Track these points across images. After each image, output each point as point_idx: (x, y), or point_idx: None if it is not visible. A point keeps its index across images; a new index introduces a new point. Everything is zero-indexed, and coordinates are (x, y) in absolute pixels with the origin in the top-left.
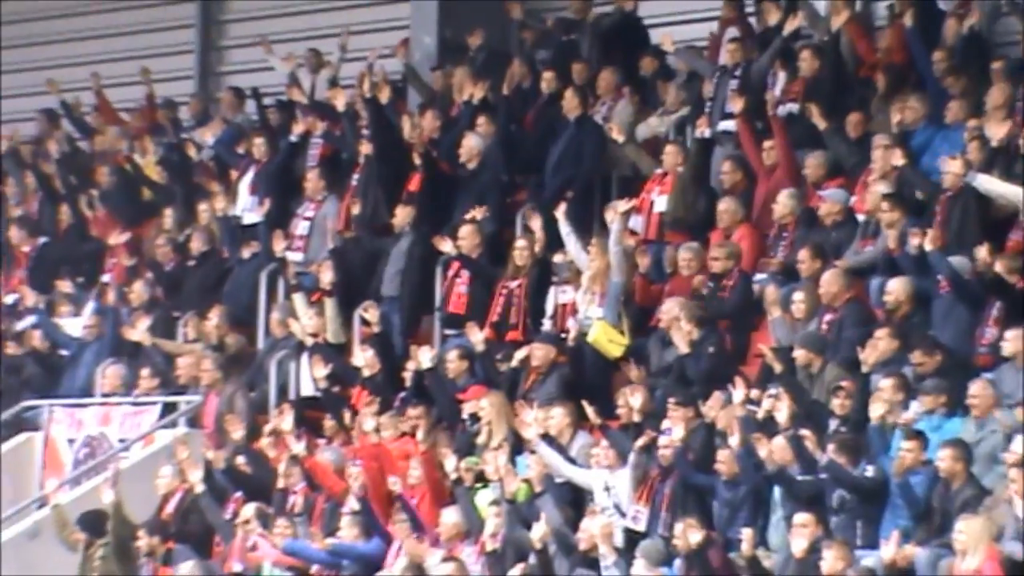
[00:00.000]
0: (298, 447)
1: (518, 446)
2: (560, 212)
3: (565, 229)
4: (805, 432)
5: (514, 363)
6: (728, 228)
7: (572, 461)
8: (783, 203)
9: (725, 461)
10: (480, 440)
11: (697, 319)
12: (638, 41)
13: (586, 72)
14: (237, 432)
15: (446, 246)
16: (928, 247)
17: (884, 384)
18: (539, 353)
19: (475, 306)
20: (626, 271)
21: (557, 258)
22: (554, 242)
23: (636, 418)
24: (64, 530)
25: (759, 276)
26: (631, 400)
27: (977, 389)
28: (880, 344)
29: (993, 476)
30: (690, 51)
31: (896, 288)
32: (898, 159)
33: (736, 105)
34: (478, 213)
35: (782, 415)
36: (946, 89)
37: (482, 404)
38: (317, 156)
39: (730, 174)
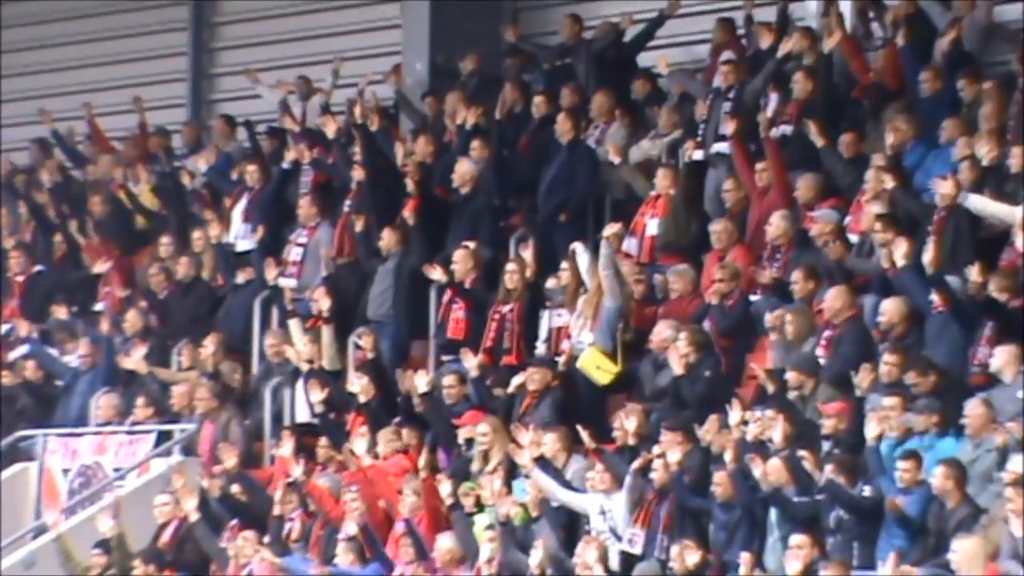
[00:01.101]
0: (296, 471)
1: (515, 470)
2: (578, 246)
3: (581, 253)
4: (803, 452)
5: (511, 389)
6: (723, 249)
7: (567, 485)
8: (776, 224)
9: (721, 483)
10: (476, 465)
11: (696, 342)
12: (631, 64)
13: (579, 96)
14: (231, 460)
15: (435, 274)
16: (927, 265)
17: (887, 403)
18: (536, 377)
19: (474, 332)
20: (621, 295)
21: (550, 282)
22: (547, 266)
23: (631, 441)
24: (70, 561)
25: (754, 297)
26: (626, 423)
27: (972, 408)
28: (881, 367)
29: (988, 495)
30: (684, 73)
31: (890, 308)
32: (888, 182)
33: (730, 127)
34: (471, 245)
35: (777, 436)
36: (939, 108)
37: (480, 429)
38: (310, 183)
39: (734, 192)
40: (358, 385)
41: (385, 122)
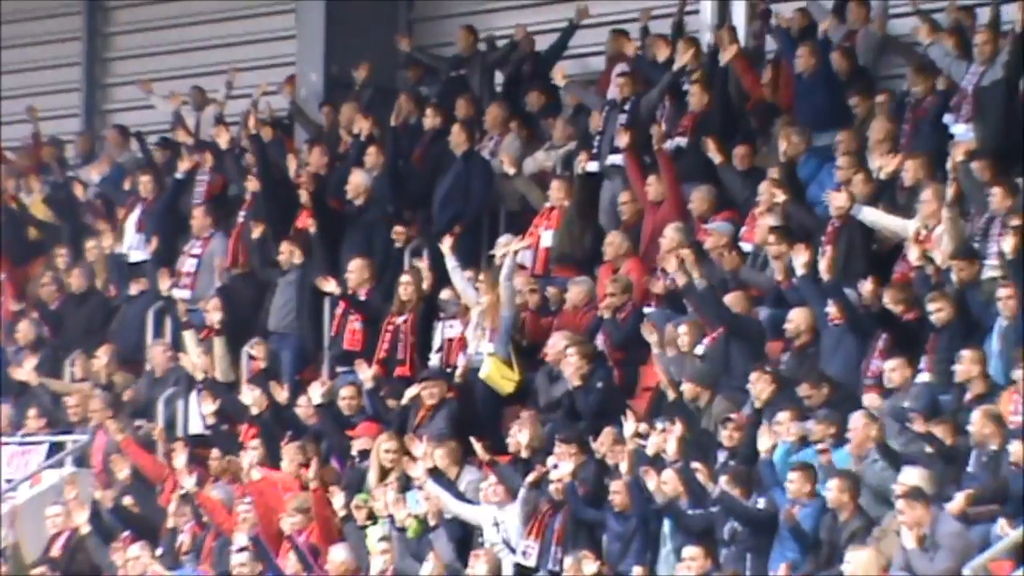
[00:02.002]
0: (189, 482)
1: (409, 482)
2: (446, 247)
3: (452, 264)
4: (697, 464)
5: (405, 400)
6: (615, 261)
7: (461, 497)
8: (670, 236)
9: (619, 491)
10: (370, 477)
11: (587, 354)
12: (526, 75)
13: (473, 107)
14: (124, 471)
15: (329, 286)
16: (824, 277)
17: (780, 416)
18: (433, 390)
19: (370, 343)
20: (515, 305)
21: (444, 294)
22: (442, 278)
23: (524, 453)
24: None
25: (648, 309)
26: (518, 436)
27: (856, 422)
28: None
29: (879, 508)
30: (579, 85)
31: (797, 317)
32: (780, 195)
33: (623, 140)
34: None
35: (671, 447)
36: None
37: (384, 446)
38: (204, 193)
39: (629, 204)
40: (250, 397)
41: (279, 133)
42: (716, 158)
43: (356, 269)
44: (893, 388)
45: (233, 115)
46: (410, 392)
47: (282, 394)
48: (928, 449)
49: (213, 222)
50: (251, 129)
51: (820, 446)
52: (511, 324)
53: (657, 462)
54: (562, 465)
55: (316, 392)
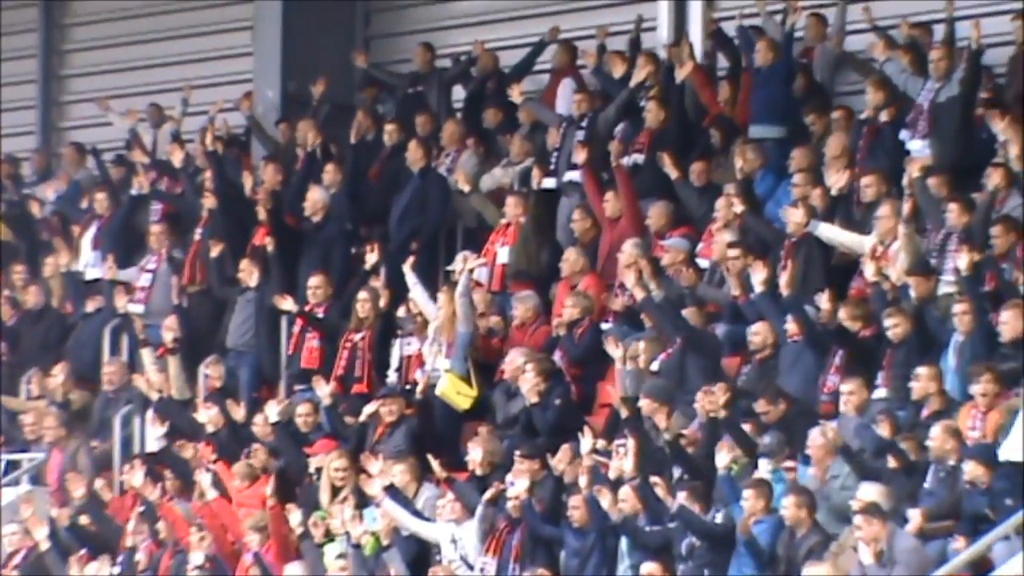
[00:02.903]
0: (154, 494)
1: (365, 499)
2: (407, 266)
3: (412, 280)
4: (656, 480)
5: (363, 418)
6: (573, 277)
7: (418, 514)
8: (628, 252)
9: (577, 507)
10: (323, 495)
11: (544, 370)
12: (489, 93)
13: (430, 124)
14: (79, 490)
15: (286, 304)
16: (784, 292)
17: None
18: (392, 407)
19: (328, 360)
20: (472, 321)
21: (400, 311)
22: (399, 295)
23: (479, 471)
24: None
25: (604, 325)
26: (472, 454)
27: (815, 438)
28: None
29: (837, 524)
30: (536, 102)
31: (763, 330)
32: (738, 206)
33: (580, 156)
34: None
35: (628, 464)
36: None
37: (334, 464)
38: (160, 210)
39: (580, 222)
40: (206, 415)
41: (236, 150)
42: (672, 173)
43: (317, 285)
44: (850, 411)
45: (190, 132)
46: (368, 409)
47: (239, 412)
48: (891, 462)
49: (169, 238)
50: (208, 146)
51: (787, 464)
52: (468, 340)
53: (612, 480)
54: (518, 482)
55: (273, 410)
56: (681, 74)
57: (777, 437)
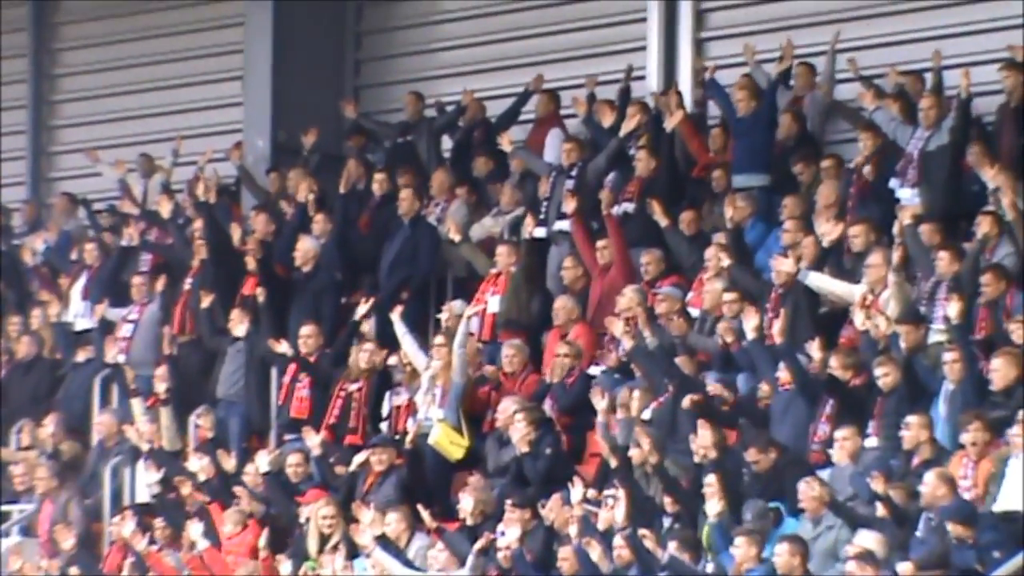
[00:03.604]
0: (141, 544)
1: (356, 549)
2: (395, 314)
3: (401, 330)
4: (645, 532)
5: (353, 467)
6: (565, 326)
7: (410, 564)
8: (629, 296)
9: (567, 558)
10: (311, 545)
11: (535, 419)
12: (476, 142)
13: (420, 173)
14: (69, 541)
15: (281, 348)
16: (777, 340)
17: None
18: (383, 457)
19: (317, 410)
20: (467, 372)
21: (391, 360)
22: (389, 345)
23: (470, 521)
24: None
25: (594, 371)
26: (463, 503)
27: (805, 489)
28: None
29: (832, 573)
30: (526, 151)
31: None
32: (725, 259)
33: (569, 206)
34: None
35: (620, 514)
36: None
37: (322, 512)
38: (150, 261)
39: (571, 271)
40: (197, 464)
41: (226, 199)
42: (662, 221)
43: (308, 335)
44: (844, 457)
45: (180, 183)
46: (358, 459)
47: (229, 462)
48: (880, 511)
49: (152, 288)
50: (199, 196)
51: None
52: (461, 391)
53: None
54: (510, 531)
55: (263, 460)
56: (671, 123)
57: (758, 509)
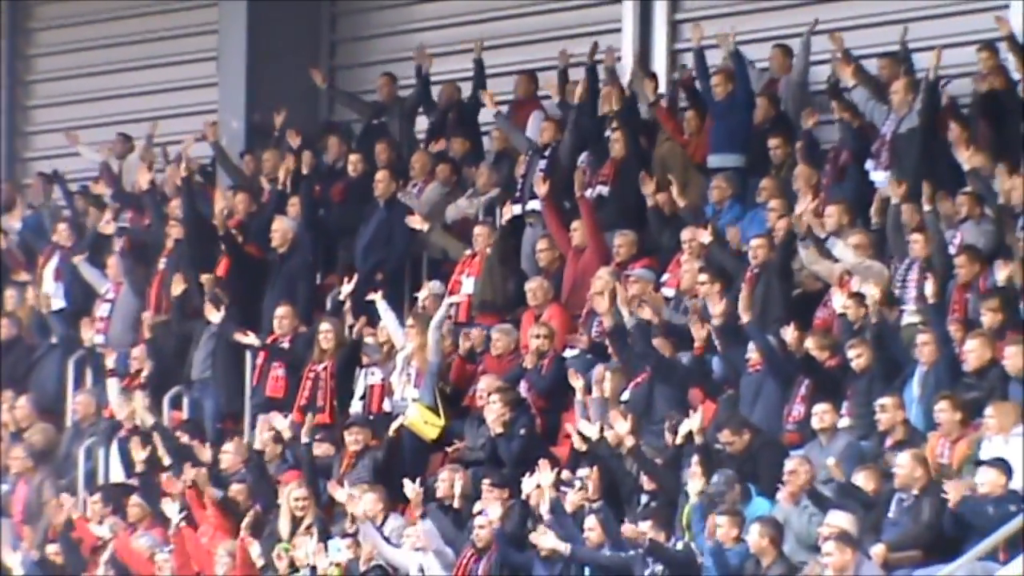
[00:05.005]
0: (101, 531)
1: (327, 531)
2: (378, 297)
3: (383, 307)
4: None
5: (317, 451)
6: (538, 307)
7: (388, 542)
8: (605, 280)
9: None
10: (283, 526)
11: (510, 401)
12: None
13: (393, 154)
14: (45, 521)
15: (247, 339)
16: (743, 317)
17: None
18: (358, 437)
19: (292, 390)
20: (442, 352)
21: (368, 339)
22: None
23: (456, 503)
24: None
25: (568, 354)
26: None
27: (793, 465)
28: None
29: (806, 554)
30: (510, 123)
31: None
32: (703, 236)
33: (541, 188)
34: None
35: (591, 491)
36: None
37: (294, 494)
38: (125, 242)
39: (545, 252)
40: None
41: (202, 180)
42: (651, 199)
43: (283, 316)
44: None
45: (156, 164)
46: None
47: (205, 453)
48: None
49: (127, 268)
50: (182, 173)
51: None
52: (437, 370)
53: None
54: (491, 509)
55: (240, 447)
56: (646, 106)
57: (726, 476)
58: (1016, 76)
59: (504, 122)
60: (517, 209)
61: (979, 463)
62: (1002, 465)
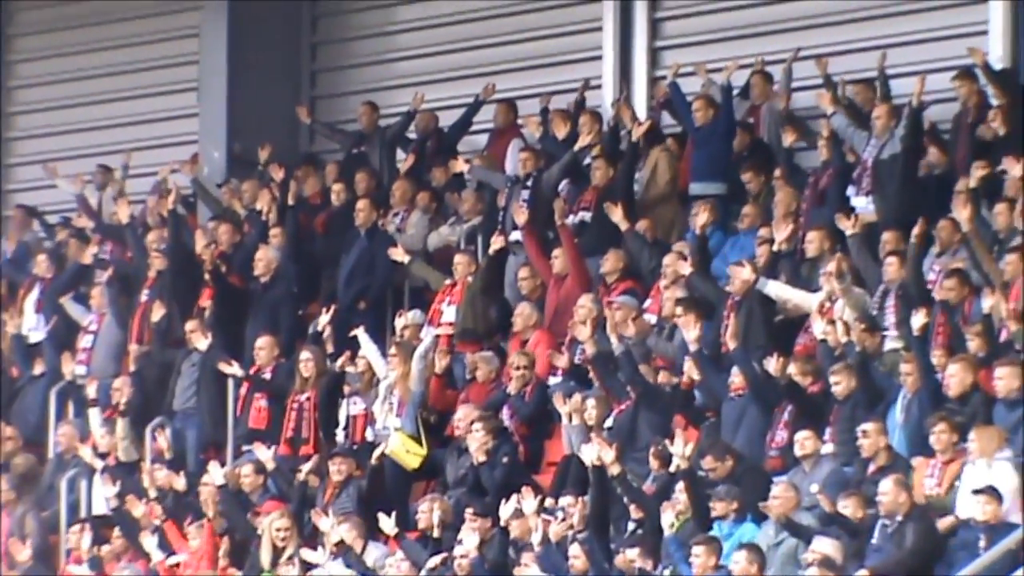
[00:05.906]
0: (81, 571)
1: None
2: (360, 332)
3: (365, 339)
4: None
5: (301, 478)
6: (524, 332)
7: (367, 572)
8: (588, 308)
9: (528, 564)
10: (264, 557)
11: (492, 429)
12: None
13: (374, 182)
14: (23, 554)
15: (230, 369)
16: (730, 345)
17: (678, 488)
18: (342, 467)
19: (276, 421)
20: (425, 381)
21: (350, 368)
22: (340, 352)
23: (435, 533)
24: None
25: (552, 381)
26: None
27: (780, 491)
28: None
29: None
30: (484, 168)
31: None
32: (684, 268)
33: (520, 218)
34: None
35: (576, 520)
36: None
37: (276, 524)
38: (107, 275)
39: (528, 280)
40: (150, 480)
41: (183, 211)
42: (623, 225)
43: (262, 347)
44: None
45: (134, 194)
46: (307, 468)
47: (180, 482)
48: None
49: (111, 299)
50: (168, 205)
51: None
52: (420, 400)
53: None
54: (467, 539)
55: (218, 473)
56: (637, 133)
57: (728, 487)
58: (994, 103)
59: (480, 171)
60: (500, 242)
61: (975, 492)
62: (992, 492)
